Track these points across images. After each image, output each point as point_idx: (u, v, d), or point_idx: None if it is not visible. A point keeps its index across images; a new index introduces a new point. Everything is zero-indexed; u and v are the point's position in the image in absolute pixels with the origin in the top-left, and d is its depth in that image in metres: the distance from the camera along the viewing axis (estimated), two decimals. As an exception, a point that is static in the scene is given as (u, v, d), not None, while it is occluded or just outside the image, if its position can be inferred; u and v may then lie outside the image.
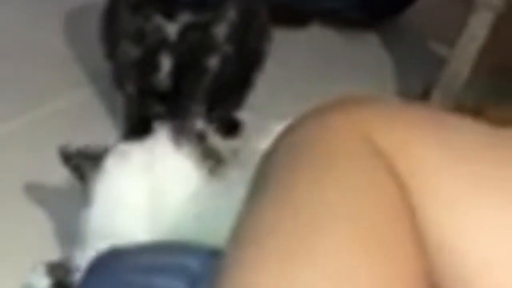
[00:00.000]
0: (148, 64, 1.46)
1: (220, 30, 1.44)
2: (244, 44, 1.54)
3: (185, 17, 1.37)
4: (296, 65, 1.94)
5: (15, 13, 1.89)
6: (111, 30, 1.48)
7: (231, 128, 1.65)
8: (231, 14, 1.43)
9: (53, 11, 1.86)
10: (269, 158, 0.74)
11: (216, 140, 1.54)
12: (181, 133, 1.17)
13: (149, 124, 1.52)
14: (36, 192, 1.35)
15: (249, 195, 0.69)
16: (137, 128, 1.51)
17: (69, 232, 1.18)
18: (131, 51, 1.44)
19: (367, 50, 2.13)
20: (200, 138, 1.22)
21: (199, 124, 1.32)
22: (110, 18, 1.47)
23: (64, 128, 1.55)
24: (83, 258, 1.04)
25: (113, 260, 0.86)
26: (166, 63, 1.46)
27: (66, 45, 1.79)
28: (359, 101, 0.74)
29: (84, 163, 1.12)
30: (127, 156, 1.10)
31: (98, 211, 1.09)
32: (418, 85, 1.86)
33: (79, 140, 1.49)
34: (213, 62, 1.48)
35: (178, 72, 1.47)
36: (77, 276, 1.10)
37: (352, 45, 2.11)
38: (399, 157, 0.67)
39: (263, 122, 1.67)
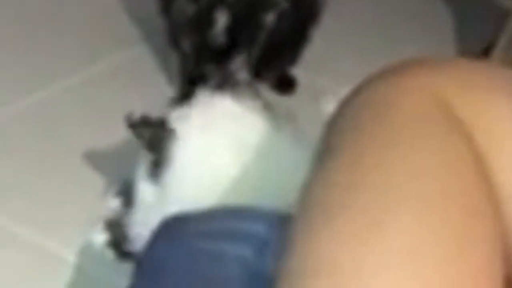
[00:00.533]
0: (204, 20, 1.44)
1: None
2: (299, -1, 1.52)
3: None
4: (353, 19, 1.90)
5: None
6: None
7: (285, 84, 1.63)
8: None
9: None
10: (337, 122, 0.72)
11: (270, 97, 1.53)
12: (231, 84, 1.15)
13: (204, 80, 1.52)
14: (96, 153, 1.35)
15: (317, 159, 0.67)
16: (192, 85, 1.50)
17: (128, 193, 1.19)
18: (187, 8, 1.43)
19: (428, 3, 2.07)
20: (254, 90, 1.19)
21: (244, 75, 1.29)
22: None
23: (119, 86, 1.55)
24: (142, 223, 1.05)
25: (180, 225, 0.85)
26: (221, 20, 1.43)
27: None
28: (431, 63, 0.71)
29: (149, 131, 1.10)
30: (195, 119, 1.09)
31: (173, 176, 1.07)
32: (481, 42, 1.82)
33: (135, 98, 1.52)
34: (269, 18, 1.46)
35: (234, 28, 1.45)
36: (134, 237, 1.11)
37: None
38: (476, 124, 0.65)
39: (318, 80, 1.68)
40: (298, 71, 1.65)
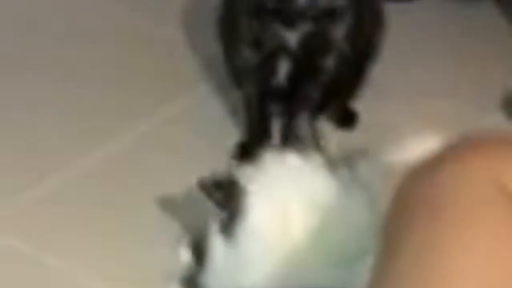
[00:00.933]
0: (267, 68, 1.47)
1: (338, 32, 1.43)
2: (359, 38, 1.54)
3: (306, 26, 1.37)
4: (411, 47, 1.90)
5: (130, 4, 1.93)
6: (229, 35, 1.49)
7: (346, 119, 1.66)
8: (349, 14, 1.43)
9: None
10: (401, 211, 0.76)
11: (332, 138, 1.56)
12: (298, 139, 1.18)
13: (269, 124, 1.55)
14: (167, 201, 1.39)
15: (384, 250, 0.71)
16: (259, 129, 1.54)
17: (200, 245, 1.22)
18: (250, 57, 1.46)
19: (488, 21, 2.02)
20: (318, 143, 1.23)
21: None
22: (227, 23, 1.48)
23: (187, 130, 1.58)
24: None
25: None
26: (284, 68, 1.46)
27: (181, 36, 1.81)
28: (493, 145, 0.75)
29: (221, 192, 1.14)
30: (264, 177, 1.12)
31: (247, 236, 1.11)
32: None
33: (203, 142, 1.55)
34: (329, 62, 1.48)
35: (295, 73, 1.48)
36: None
37: (470, 15, 2.00)
38: None
39: (379, 114, 1.69)
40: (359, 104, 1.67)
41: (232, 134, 1.56)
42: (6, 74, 1.72)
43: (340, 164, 1.18)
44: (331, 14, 1.39)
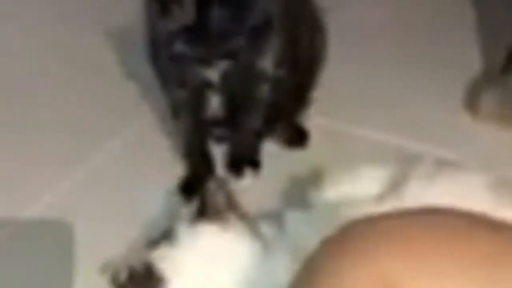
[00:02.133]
0: (196, 104, 1.43)
1: (267, 62, 1.39)
2: (296, 57, 1.48)
3: (222, 65, 1.33)
4: (358, 51, 1.84)
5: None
6: (156, 74, 1.45)
7: (296, 138, 1.60)
8: (276, 43, 1.37)
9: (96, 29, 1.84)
10: None
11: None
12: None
13: (209, 156, 1.50)
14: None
15: None
16: (200, 161, 1.50)
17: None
18: (176, 94, 1.43)
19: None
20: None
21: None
22: (153, 64, 1.44)
23: (131, 163, 1.55)
24: None
25: None
26: (214, 100, 1.43)
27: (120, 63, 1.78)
28: (383, 244, 0.73)
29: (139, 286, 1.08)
30: (182, 258, 1.07)
31: None
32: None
33: (145, 177, 1.51)
34: (264, 89, 1.43)
35: (230, 104, 1.43)
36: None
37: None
38: None
39: (332, 125, 1.64)
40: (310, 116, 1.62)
41: (178, 166, 1.52)
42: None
43: (266, 223, 1.12)
44: (252, 49, 1.34)
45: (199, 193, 1.13)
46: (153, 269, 1.07)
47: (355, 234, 0.75)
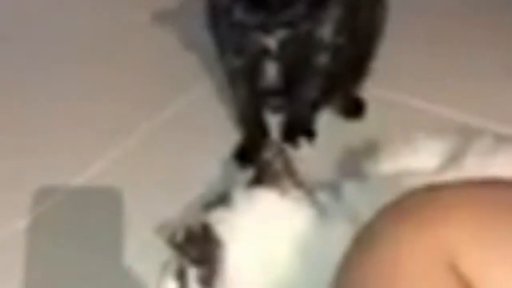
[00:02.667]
0: (253, 72, 1.42)
1: (326, 30, 1.37)
2: (355, 26, 1.46)
3: (281, 33, 1.32)
4: (420, 25, 1.81)
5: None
6: (215, 42, 1.44)
7: (353, 109, 1.59)
8: (335, 11, 1.36)
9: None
10: (346, 274, 0.73)
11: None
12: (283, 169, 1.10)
13: (265, 125, 1.50)
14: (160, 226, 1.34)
15: None
16: (255, 130, 1.50)
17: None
18: (234, 62, 1.42)
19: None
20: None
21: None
22: (212, 31, 1.43)
23: (184, 131, 1.55)
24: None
25: None
26: (271, 70, 1.41)
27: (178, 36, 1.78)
28: (446, 210, 0.71)
29: (195, 247, 1.07)
30: (239, 221, 1.05)
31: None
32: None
33: (199, 144, 1.52)
34: (323, 59, 1.42)
35: (287, 74, 1.42)
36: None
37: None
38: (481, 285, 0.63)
39: (389, 96, 1.62)
40: (368, 89, 1.60)
41: (232, 136, 1.52)
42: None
43: (323, 191, 1.10)
44: (312, 17, 1.33)
45: (257, 159, 1.11)
46: (211, 231, 1.06)
47: (414, 203, 0.73)
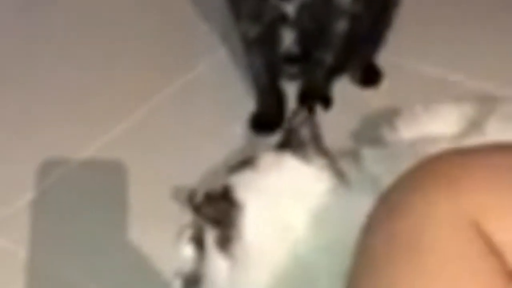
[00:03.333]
0: (270, 39, 1.41)
1: (344, -4, 1.35)
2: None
3: (299, -1, 1.31)
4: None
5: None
6: (232, 8, 1.42)
7: (370, 76, 1.57)
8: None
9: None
10: (369, 238, 0.73)
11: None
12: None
13: (281, 95, 1.49)
14: (175, 188, 1.34)
15: (353, 271, 0.71)
16: (270, 98, 1.48)
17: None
18: (250, 29, 1.40)
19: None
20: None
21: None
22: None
23: (197, 101, 1.54)
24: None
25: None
26: (288, 37, 1.40)
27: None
28: (468, 176, 0.70)
29: (214, 208, 1.06)
30: (261, 185, 1.04)
31: (245, 252, 1.02)
32: None
33: (214, 113, 1.51)
34: (340, 26, 1.40)
35: (304, 40, 1.41)
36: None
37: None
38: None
39: (408, 64, 1.60)
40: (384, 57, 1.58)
41: (248, 100, 1.51)
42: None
43: (345, 159, 1.09)
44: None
45: (283, 125, 1.10)
46: (231, 192, 1.04)
47: (435, 169, 0.72)
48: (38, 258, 1.27)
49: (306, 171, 1.05)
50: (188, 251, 1.18)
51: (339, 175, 1.05)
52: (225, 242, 1.05)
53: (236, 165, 1.09)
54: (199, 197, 1.05)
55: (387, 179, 0.80)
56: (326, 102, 1.48)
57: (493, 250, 0.64)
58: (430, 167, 0.70)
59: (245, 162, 1.08)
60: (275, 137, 1.42)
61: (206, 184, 1.07)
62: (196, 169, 1.31)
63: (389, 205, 0.73)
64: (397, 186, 0.73)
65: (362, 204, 0.85)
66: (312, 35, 1.40)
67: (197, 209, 1.05)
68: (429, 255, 0.66)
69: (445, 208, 0.67)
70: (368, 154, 1.10)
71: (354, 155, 1.12)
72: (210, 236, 1.07)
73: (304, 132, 1.07)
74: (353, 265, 0.72)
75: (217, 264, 1.06)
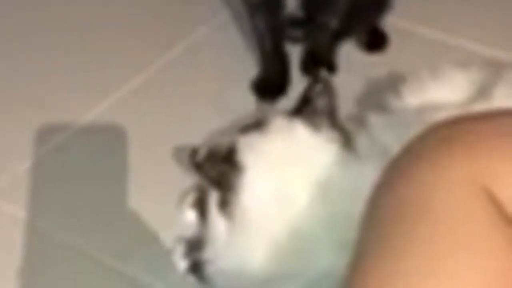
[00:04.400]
0: (273, 2, 1.38)
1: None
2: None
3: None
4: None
5: None
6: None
7: (375, 41, 1.55)
8: None
9: None
10: (377, 205, 0.72)
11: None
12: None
13: (285, 59, 1.46)
14: (182, 153, 1.31)
15: (363, 233, 0.71)
16: (274, 63, 1.46)
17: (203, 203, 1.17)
18: (254, -9, 1.38)
19: None
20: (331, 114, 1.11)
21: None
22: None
23: (202, 60, 1.52)
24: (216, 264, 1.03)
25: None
26: (291, 0, 1.37)
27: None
28: (482, 143, 0.69)
29: (216, 168, 1.04)
30: (267, 149, 1.02)
31: (244, 215, 1.02)
32: None
33: (221, 71, 1.49)
34: (345, -12, 1.38)
35: (308, 4, 1.38)
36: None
37: None
38: None
39: (413, 29, 1.58)
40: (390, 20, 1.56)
41: (251, 65, 1.49)
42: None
43: (352, 126, 1.07)
44: None
45: (304, 89, 1.06)
46: (235, 154, 1.02)
47: (447, 134, 0.70)
48: (39, 225, 1.26)
49: (315, 141, 1.03)
50: (190, 215, 1.18)
51: (349, 147, 1.03)
52: (225, 204, 1.04)
53: (244, 127, 1.07)
54: (201, 155, 1.04)
55: (394, 146, 0.79)
56: (331, 66, 1.46)
57: (503, 217, 0.63)
58: (441, 132, 0.69)
59: (255, 125, 1.06)
60: (280, 102, 1.42)
61: (209, 144, 1.05)
62: (198, 133, 1.30)
63: (398, 171, 0.72)
64: (406, 152, 0.71)
65: (369, 174, 0.83)
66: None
67: (198, 167, 1.04)
68: (439, 219, 0.65)
69: (457, 173, 0.66)
70: (375, 121, 1.08)
71: (360, 122, 1.11)
72: (212, 199, 1.06)
73: (321, 103, 1.05)
74: (360, 234, 0.70)
75: (217, 226, 1.05)
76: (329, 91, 1.06)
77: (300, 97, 1.07)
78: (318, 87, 1.05)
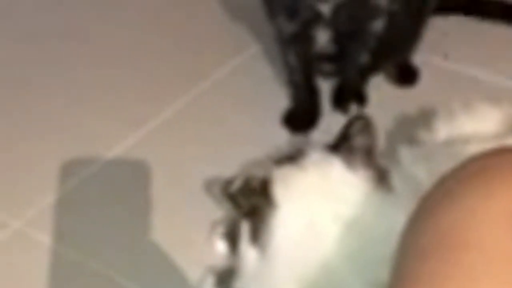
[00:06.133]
0: (305, 38, 1.39)
1: (383, -1, 1.34)
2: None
3: (336, -1, 1.29)
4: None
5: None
6: (267, 5, 1.41)
7: (406, 75, 1.56)
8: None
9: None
10: (413, 236, 0.71)
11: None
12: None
13: (316, 93, 1.47)
14: (208, 185, 1.33)
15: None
16: (305, 97, 1.47)
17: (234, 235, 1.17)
18: (287, 27, 1.39)
19: None
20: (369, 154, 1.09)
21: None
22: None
23: (229, 99, 1.53)
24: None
25: None
26: (323, 36, 1.38)
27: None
28: None
29: (249, 200, 1.04)
30: (301, 183, 1.02)
31: (275, 248, 1.01)
32: None
33: (249, 106, 1.50)
34: (377, 25, 1.38)
35: (340, 39, 1.39)
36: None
37: None
38: None
39: (443, 64, 1.58)
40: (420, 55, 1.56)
41: (282, 98, 1.50)
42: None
43: (387, 164, 1.06)
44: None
45: (344, 125, 1.06)
46: (269, 185, 1.02)
47: (478, 169, 0.70)
48: (62, 260, 1.26)
49: (351, 179, 1.02)
50: (221, 246, 1.17)
51: (383, 186, 1.02)
52: (257, 236, 1.03)
53: (279, 159, 1.07)
54: (235, 186, 1.04)
55: (426, 180, 0.78)
56: (361, 99, 1.47)
57: None
58: (480, 164, 0.69)
59: (289, 158, 1.06)
60: (311, 135, 1.43)
61: (243, 176, 1.05)
62: (230, 166, 1.30)
63: (434, 202, 0.71)
64: (442, 183, 0.71)
65: (402, 213, 0.81)
66: (348, 34, 1.39)
67: (231, 197, 1.04)
68: (475, 252, 0.64)
69: (495, 206, 0.65)
70: (407, 154, 1.08)
71: (392, 157, 1.10)
72: (244, 230, 1.06)
73: (359, 140, 1.04)
74: (395, 265, 0.70)
75: (248, 257, 1.05)
76: (370, 130, 1.05)
77: (339, 133, 1.06)
78: (359, 125, 1.04)
